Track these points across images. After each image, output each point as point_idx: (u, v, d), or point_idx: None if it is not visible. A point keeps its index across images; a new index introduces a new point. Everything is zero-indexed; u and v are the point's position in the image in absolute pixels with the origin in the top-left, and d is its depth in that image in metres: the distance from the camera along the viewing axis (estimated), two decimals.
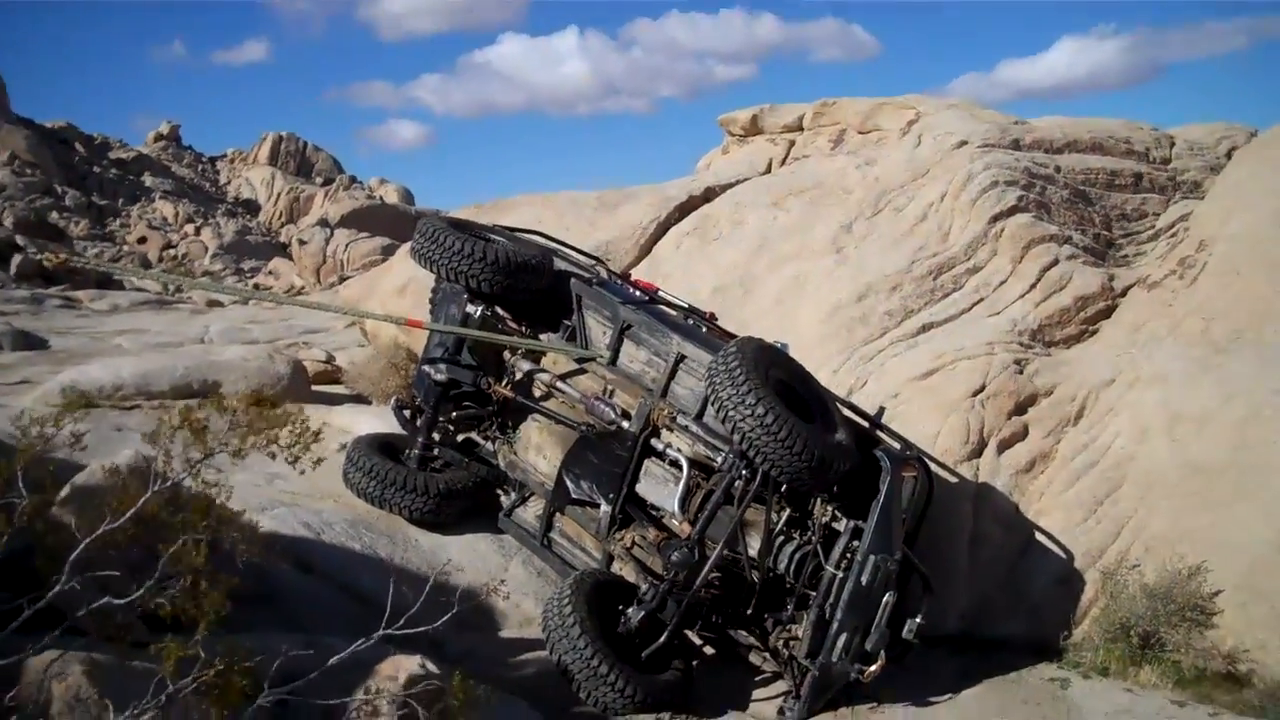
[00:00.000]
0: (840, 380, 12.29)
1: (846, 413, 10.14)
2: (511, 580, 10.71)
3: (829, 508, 9.55)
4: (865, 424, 10.10)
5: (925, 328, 12.90)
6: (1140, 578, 10.58)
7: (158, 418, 5.29)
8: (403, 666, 7.34)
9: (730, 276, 14.47)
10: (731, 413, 8.63)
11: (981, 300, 13.20)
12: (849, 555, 9.24)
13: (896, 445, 10.01)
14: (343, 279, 25.35)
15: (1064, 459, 11.65)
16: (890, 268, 13.51)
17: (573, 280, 11.07)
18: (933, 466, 11.03)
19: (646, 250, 15.75)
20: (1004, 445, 11.65)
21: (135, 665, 4.38)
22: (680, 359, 9.98)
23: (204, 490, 5.32)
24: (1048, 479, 11.58)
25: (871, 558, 9.12)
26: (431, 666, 7.28)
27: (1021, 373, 12.09)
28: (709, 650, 10.54)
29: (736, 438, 8.73)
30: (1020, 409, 11.87)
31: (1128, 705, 9.88)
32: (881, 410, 10.68)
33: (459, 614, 6.73)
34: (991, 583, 11.19)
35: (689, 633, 10.15)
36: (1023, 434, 11.75)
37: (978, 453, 11.54)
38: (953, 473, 11.34)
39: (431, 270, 10.97)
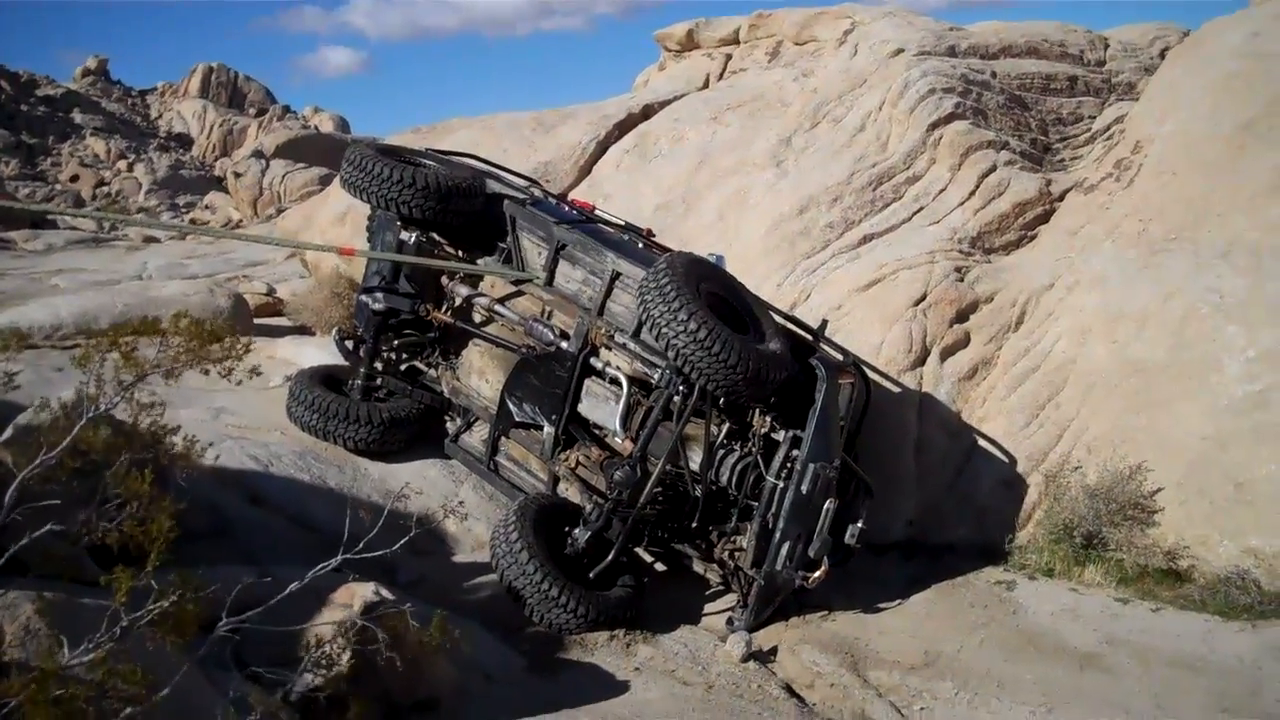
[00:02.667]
0: (784, 293, 12.32)
1: (788, 325, 10.17)
2: (464, 505, 10.72)
3: (768, 419, 9.58)
4: (808, 337, 10.12)
5: (866, 239, 12.93)
6: (1082, 479, 10.74)
7: (91, 346, 5.20)
8: (358, 593, 7.35)
9: (672, 194, 14.42)
10: (664, 329, 8.59)
11: (921, 209, 13.23)
12: (789, 465, 9.29)
13: (838, 356, 10.05)
14: (280, 210, 25.04)
15: (1005, 364, 11.76)
16: (830, 179, 13.50)
17: (506, 202, 10.94)
18: (877, 377, 11.13)
19: (586, 170, 15.66)
20: (946, 353, 11.74)
21: (87, 602, 4.36)
22: (616, 276, 9.91)
23: (139, 413, 5.27)
24: (990, 385, 11.70)
25: (811, 466, 9.18)
26: (386, 593, 7.30)
27: (962, 280, 12.16)
28: (660, 567, 10.62)
29: (670, 354, 8.69)
30: (961, 316, 11.95)
31: (1072, 604, 10.06)
32: (824, 323, 10.71)
33: (412, 540, 6.75)
34: (937, 489, 11.33)
35: (638, 550, 10.22)
36: (964, 341, 11.84)
37: (921, 361, 11.62)
38: (896, 382, 11.43)
39: (362, 199, 10.81)
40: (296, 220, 17.96)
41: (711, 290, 9.05)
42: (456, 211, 10.69)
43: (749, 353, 8.63)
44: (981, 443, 11.45)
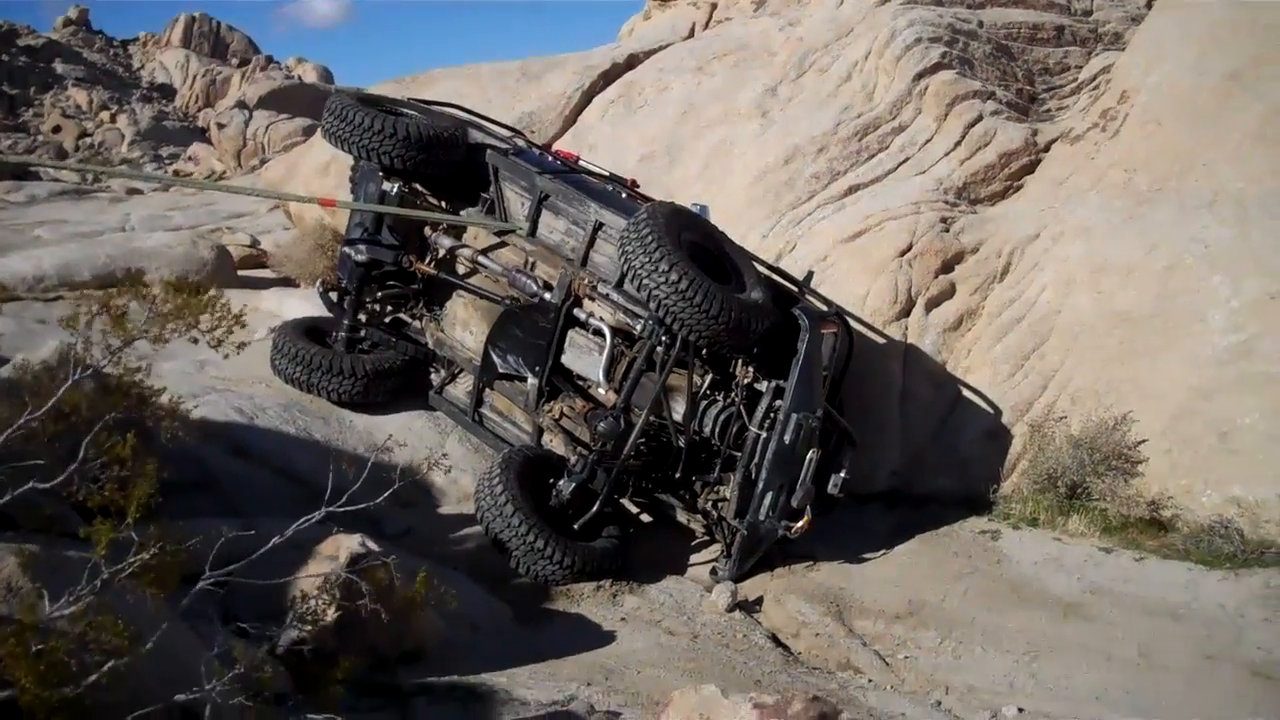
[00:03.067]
0: (769, 244, 12.30)
1: (772, 276, 10.16)
2: (449, 457, 10.72)
3: (750, 369, 9.58)
4: (793, 289, 10.11)
5: (852, 189, 12.91)
6: (1067, 429, 10.77)
7: (79, 307, 5.16)
8: (343, 545, 7.36)
9: (657, 144, 14.36)
10: (645, 280, 8.58)
11: (907, 160, 13.20)
12: (772, 415, 9.30)
13: (821, 306, 10.04)
14: (264, 161, 24.90)
15: (991, 315, 11.77)
16: (816, 130, 13.46)
17: (489, 151, 10.86)
18: (862, 328, 11.13)
19: (571, 121, 15.58)
20: (932, 304, 11.74)
21: (70, 555, 4.35)
22: (599, 227, 9.86)
23: (126, 377, 5.24)
24: (975, 335, 11.71)
25: (794, 416, 9.20)
26: (372, 544, 7.30)
27: (948, 231, 12.15)
28: (645, 518, 10.65)
29: (652, 304, 8.69)
30: (947, 267, 11.94)
31: (1056, 554, 10.10)
32: (810, 275, 10.70)
33: (398, 492, 6.73)
34: (922, 439, 11.36)
35: (625, 502, 10.24)
36: (950, 292, 11.84)
37: (906, 312, 11.63)
38: (881, 333, 11.43)
39: (343, 149, 10.72)
40: (280, 171, 17.86)
41: (693, 240, 9.03)
42: (438, 162, 10.60)
43: (730, 302, 8.62)
44: (966, 393, 11.47)
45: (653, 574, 9.55)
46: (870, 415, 11.05)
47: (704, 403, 9.65)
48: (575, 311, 9.97)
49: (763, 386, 9.45)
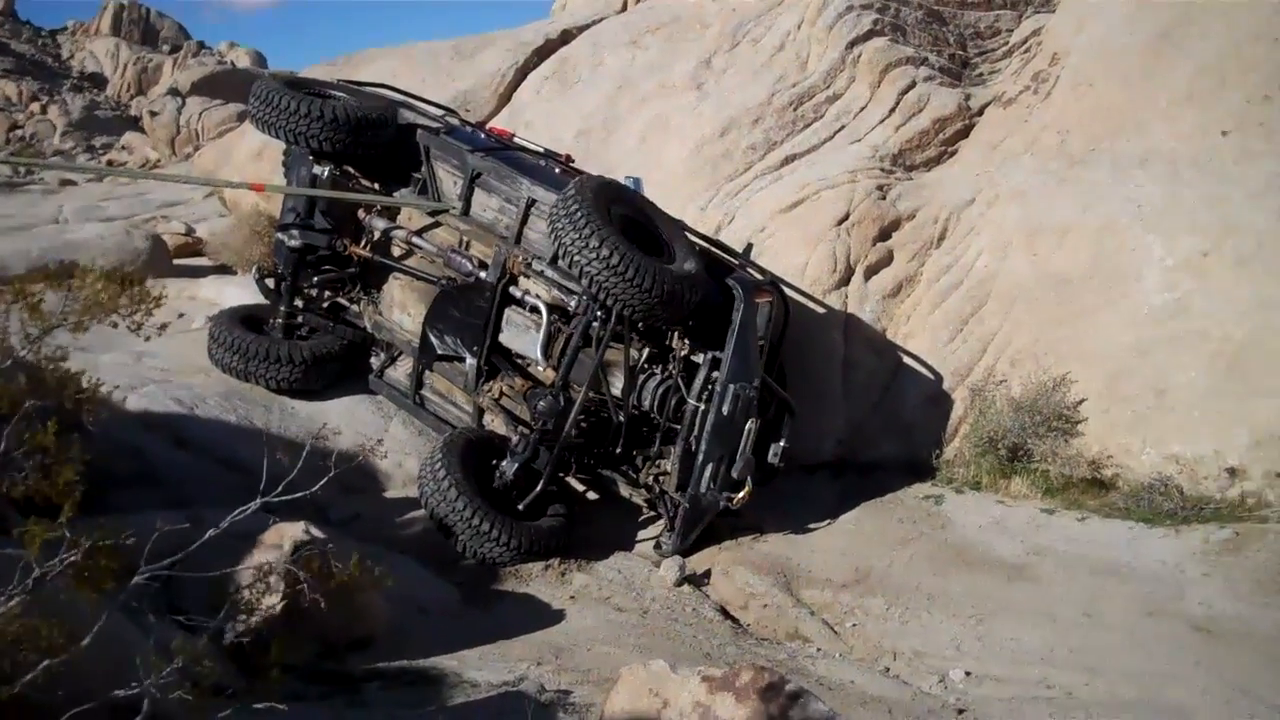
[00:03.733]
0: (708, 217, 12.30)
1: (709, 248, 10.16)
2: (392, 441, 10.68)
3: (686, 341, 9.57)
4: (733, 261, 10.12)
5: (789, 159, 12.92)
6: (1006, 392, 10.87)
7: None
8: (287, 534, 7.32)
9: (593, 120, 14.32)
10: (577, 257, 8.55)
11: (843, 128, 13.23)
12: (710, 387, 9.32)
13: (756, 275, 10.06)
14: (198, 148, 24.62)
15: (929, 280, 11.84)
16: (751, 101, 13.45)
17: (419, 131, 10.77)
18: (802, 298, 11.17)
19: (506, 99, 15.51)
20: (870, 271, 11.79)
21: (8, 553, 4.30)
22: (531, 203, 9.81)
23: (45, 365, 5.16)
24: (914, 302, 11.78)
25: (731, 387, 9.22)
26: (316, 532, 7.27)
27: (884, 198, 12.19)
28: (592, 495, 10.65)
29: (584, 281, 8.66)
30: (884, 234, 11.99)
31: (999, 516, 10.20)
32: (749, 247, 10.73)
33: (343, 478, 6.67)
34: (865, 407, 11.42)
35: (569, 479, 10.24)
36: (888, 259, 11.90)
37: (845, 281, 11.67)
38: (821, 303, 11.47)
39: (271, 135, 10.58)
40: (213, 157, 17.70)
41: (624, 214, 9.02)
42: (368, 143, 10.51)
43: (663, 275, 8.62)
44: (907, 360, 11.54)
45: (601, 551, 9.56)
46: (813, 385, 11.10)
47: (642, 376, 9.66)
48: (511, 290, 9.93)
49: (701, 359, 9.46)
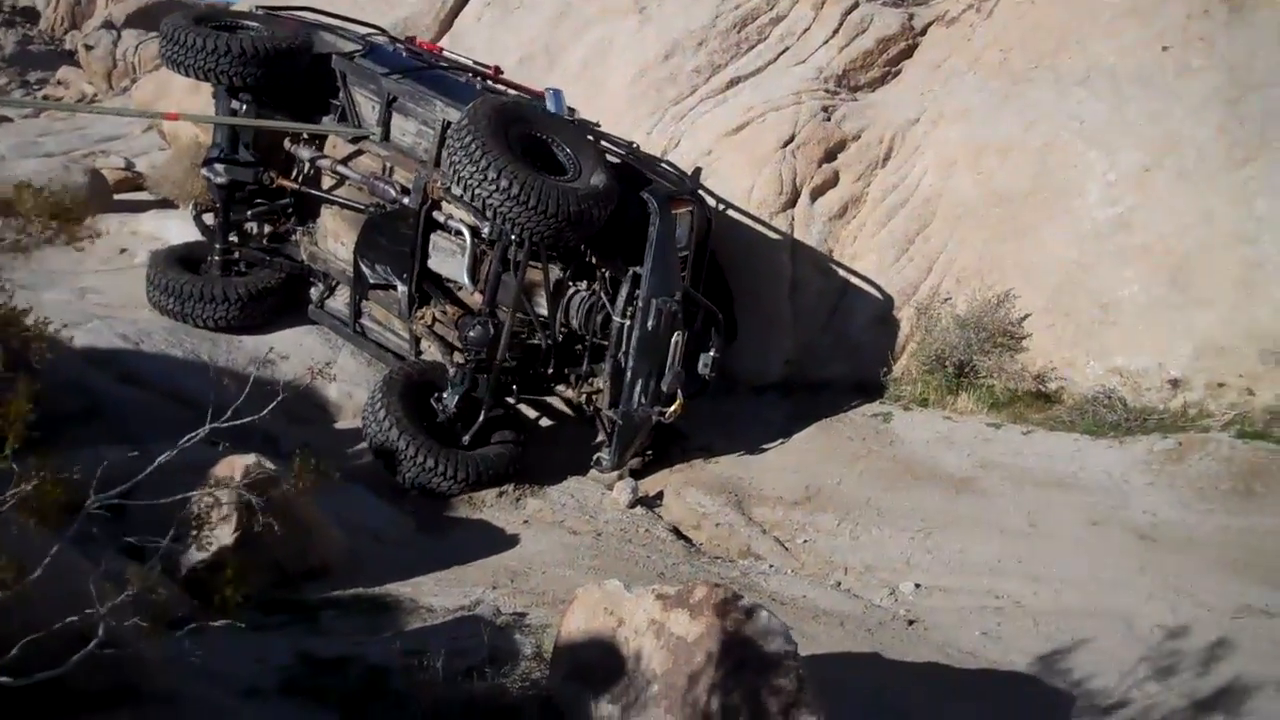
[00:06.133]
0: (654, 141, 12.25)
1: (668, 169, 10.15)
2: (342, 371, 10.69)
3: (598, 259, 9.60)
4: (684, 179, 10.11)
5: (733, 82, 12.86)
6: (952, 310, 10.95)
7: None
8: (238, 465, 7.31)
9: (535, 45, 14.16)
10: (475, 189, 8.47)
11: (787, 49, 13.15)
12: (634, 303, 9.30)
13: (669, 185, 9.93)
14: (134, 81, 24.17)
15: (875, 201, 11.86)
16: (695, 23, 13.33)
17: (334, 57, 10.56)
18: (749, 220, 11.18)
19: (448, 24, 15.30)
20: (817, 193, 11.79)
21: None
22: (447, 126, 9.53)
23: None
24: (860, 222, 11.80)
25: (653, 302, 9.21)
26: (267, 463, 7.26)
27: (829, 119, 12.18)
28: (545, 422, 10.71)
29: (487, 212, 8.61)
30: (830, 156, 11.98)
31: (946, 432, 10.32)
32: (698, 170, 10.72)
33: (292, 409, 6.67)
34: (813, 328, 11.47)
35: (520, 406, 10.27)
36: (834, 180, 11.90)
37: (792, 203, 11.67)
38: (769, 225, 11.48)
39: (182, 73, 10.38)
40: (150, 90, 17.41)
41: (523, 133, 8.93)
42: (282, 74, 10.35)
43: (565, 196, 8.54)
44: (854, 280, 11.59)
45: (554, 476, 9.63)
46: (761, 306, 11.15)
47: (568, 294, 9.66)
48: (435, 215, 9.83)
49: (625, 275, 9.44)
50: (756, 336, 10.80)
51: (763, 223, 11.46)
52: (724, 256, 10.81)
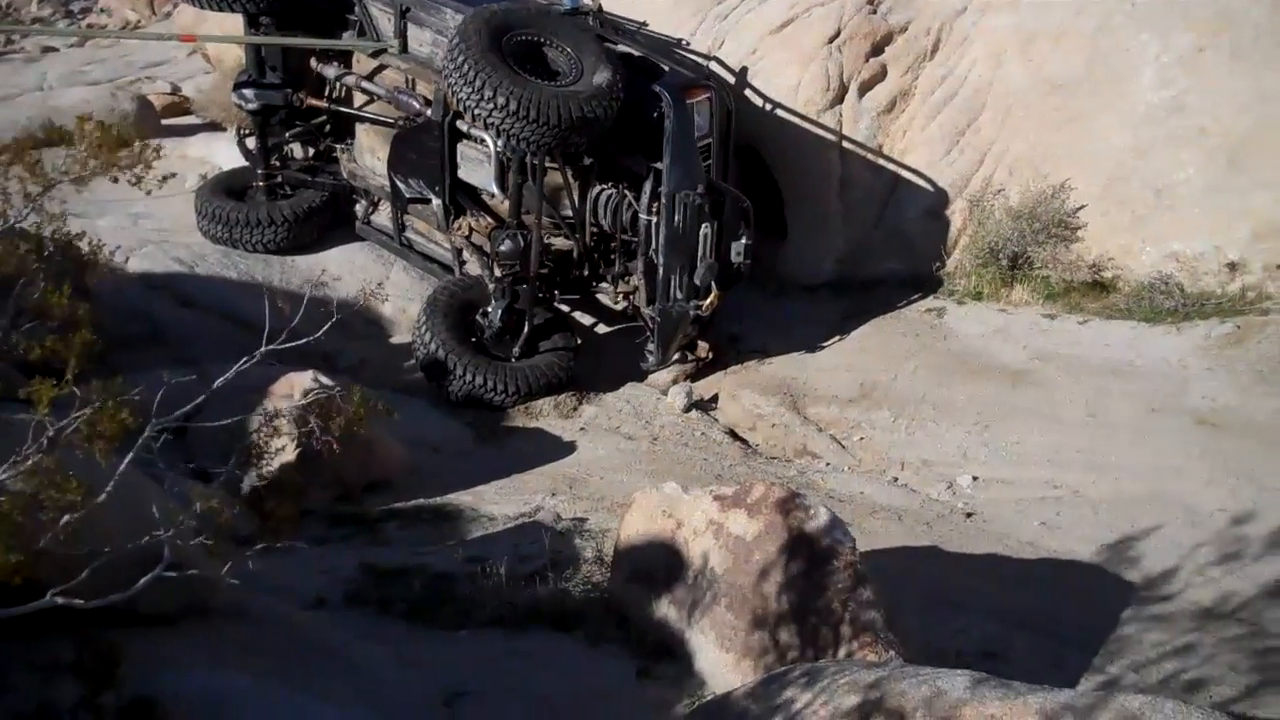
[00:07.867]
0: (697, 43, 12.07)
1: (684, 55, 10.14)
2: (395, 286, 10.73)
3: (616, 154, 9.52)
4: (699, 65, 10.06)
5: None
6: (1005, 201, 10.81)
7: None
8: (296, 383, 7.43)
9: None
10: (476, 110, 8.45)
11: None
12: (659, 199, 9.20)
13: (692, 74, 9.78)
14: (176, 5, 24.14)
15: (924, 94, 11.67)
16: None
17: None
18: (796, 119, 11.07)
19: None
20: (864, 88, 11.62)
21: (20, 417, 4.38)
22: None
23: (47, 224, 5.15)
24: (909, 116, 11.63)
25: (676, 196, 9.11)
26: (325, 380, 7.38)
27: (875, 12, 11.96)
28: (601, 329, 10.73)
29: (490, 131, 8.62)
30: (877, 50, 11.78)
31: (1001, 325, 10.25)
32: (744, 69, 10.61)
33: (348, 326, 6.73)
34: (864, 225, 11.37)
35: (574, 314, 10.30)
36: (881, 75, 11.72)
37: (839, 99, 11.51)
38: (816, 123, 11.34)
39: (202, 6, 10.72)
40: (193, 14, 17.37)
41: (522, 39, 8.84)
42: None
43: (566, 103, 8.45)
44: (905, 175, 11.45)
45: (610, 383, 9.70)
46: (811, 206, 11.09)
47: (595, 194, 9.62)
48: (459, 124, 9.73)
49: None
50: (807, 236, 10.75)
51: (810, 120, 11.33)
52: (771, 156, 10.72)
